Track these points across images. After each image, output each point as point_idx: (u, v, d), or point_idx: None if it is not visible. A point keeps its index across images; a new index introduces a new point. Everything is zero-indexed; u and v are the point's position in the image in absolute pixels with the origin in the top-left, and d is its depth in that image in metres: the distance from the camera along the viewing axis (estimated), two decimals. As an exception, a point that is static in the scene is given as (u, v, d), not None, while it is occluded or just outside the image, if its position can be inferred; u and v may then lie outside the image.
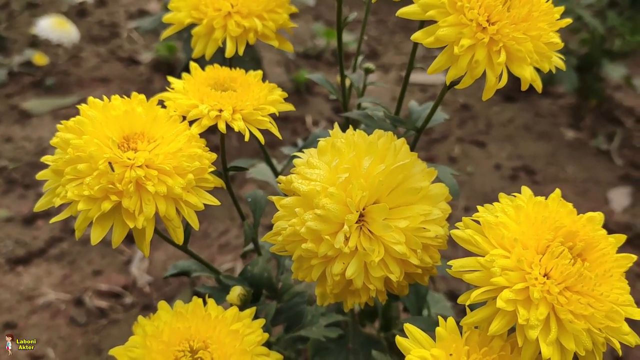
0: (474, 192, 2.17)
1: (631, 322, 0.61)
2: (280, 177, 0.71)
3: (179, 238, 0.72)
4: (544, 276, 0.56)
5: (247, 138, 0.76)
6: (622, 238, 0.64)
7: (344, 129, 0.76)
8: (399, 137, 0.74)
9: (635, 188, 2.23)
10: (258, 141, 0.81)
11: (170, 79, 0.83)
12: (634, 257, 0.62)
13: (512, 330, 0.58)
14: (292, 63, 2.87)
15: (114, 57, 2.98)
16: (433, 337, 0.62)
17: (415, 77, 2.74)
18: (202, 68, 0.84)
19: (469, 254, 0.61)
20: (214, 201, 0.72)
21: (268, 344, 0.77)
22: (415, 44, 0.80)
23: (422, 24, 0.74)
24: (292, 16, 0.91)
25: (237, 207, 0.94)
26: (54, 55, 2.86)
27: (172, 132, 0.71)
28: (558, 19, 0.67)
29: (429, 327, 0.63)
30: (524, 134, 2.53)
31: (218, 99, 0.76)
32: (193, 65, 0.83)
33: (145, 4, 3.46)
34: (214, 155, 0.74)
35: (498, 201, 0.65)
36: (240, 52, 0.85)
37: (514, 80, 0.67)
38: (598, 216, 0.64)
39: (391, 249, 0.64)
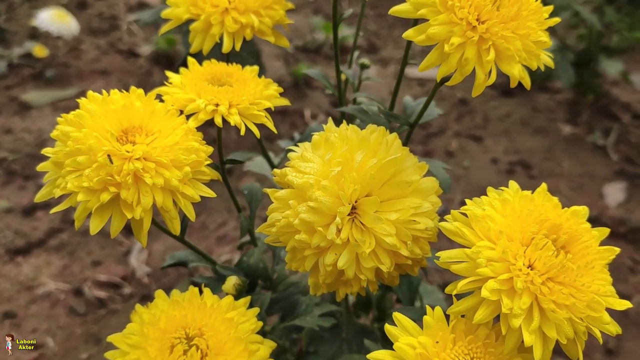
0: (470, 186, 2.19)
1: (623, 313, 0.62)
2: (275, 170, 0.73)
3: (176, 229, 0.74)
4: (527, 267, 0.58)
5: (242, 132, 0.78)
6: (605, 231, 0.66)
7: (340, 123, 0.78)
8: (393, 132, 0.76)
9: (631, 183, 2.25)
10: (255, 135, 0.83)
11: (168, 73, 0.84)
12: (617, 249, 0.64)
13: (498, 319, 0.60)
14: (291, 56, 2.89)
15: (113, 49, 2.99)
16: (422, 327, 0.64)
17: (414, 71, 2.75)
18: (201, 62, 0.86)
19: (458, 247, 0.63)
20: (210, 193, 0.74)
21: (263, 333, 0.79)
22: (409, 41, 0.81)
23: (415, 22, 0.75)
24: (291, 10, 0.92)
25: (234, 200, 0.96)
26: (54, 47, 2.87)
27: (169, 125, 0.73)
28: (547, 18, 0.68)
29: (420, 317, 0.65)
30: (521, 129, 2.55)
31: (215, 93, 0.78)
32: (190, 60, 0.85)
33: (145, -3, 3.47)
34: (210, 149, 0.76)
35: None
36: (237, 47, 0.86)
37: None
38: (582, 210, 0.66)
39: (382, 240, 0.66)
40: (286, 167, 0.72)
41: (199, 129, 0.77)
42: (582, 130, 2.54)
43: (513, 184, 0.68)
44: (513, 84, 0.68)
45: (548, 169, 2.30)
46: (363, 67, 1.05)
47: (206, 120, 0.77)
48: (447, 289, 0.61)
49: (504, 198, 0.64)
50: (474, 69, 0.66)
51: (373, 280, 0.70)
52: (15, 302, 1.66)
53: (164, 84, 0.82)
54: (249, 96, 0.79)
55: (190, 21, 0.88)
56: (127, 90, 0.77)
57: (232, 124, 0.77)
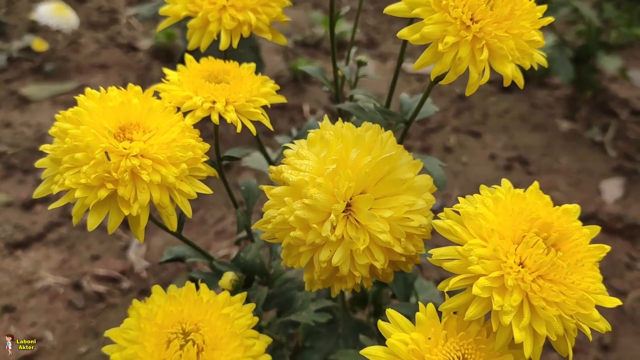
0: (468, 182, 2.19)
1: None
2: (271, 167, 0.74)
3: (173, 225, 0.75)
4: (518, 265, 0.59)
5: (239, 129, 0.78)
6: (596, 229, 0.67)
7: (338, 119, 0.78)
8: (390, 128, 0.77)
9: (628, 179, 2.25)
10: (256, 131, 0.84)
11: (166, 70, 0.85)
12: (607, 247, 0.65)
13: (489, 316, 0.61)
14: (290, 51, 2.89)
15: (113, 43, 2.99)
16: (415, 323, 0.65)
17: (412, 67, 2.75)
18: (199, 58, 0.86)
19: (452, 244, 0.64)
20: (206, 190, 0.75)
21: (259, 328, 0.80)
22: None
23: (410, 20, 0.76)
24: (291, 5, 0.93)
25: (231, 195, 0.97)
26: (53, 41, 2.87)
27: (166, 123, 0.74)
28: (540, 17, 0.69)
29: (414, 314, 0.66)
30: (520, 125, 2.56)
31: (212, 90, 0.79)
32: (188, 57, 0.86)
33: (145, -9, 3.46)
34: (207, 146, 0.77)
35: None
36: (235, 45, 0.87)
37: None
38: (573, 208, 0.67)
39: (376, 237, 0.67)
40: (282, 164, 0.73)
41: (196, 124, 0.78)
42: (580, 126, 2.55)
43: (505, 182, 0.69)
44: (506, 83, 0.68)
45: (546, 165, 2.31)
46: (360, 64, 1.05)
47: (203, 117, 0.78)
48: (440, 286, 0.62)
49: (496, 196, 0.65)
50: (468, 67, 0.66)
51: (367, 276, 0.71)
52: (14, 296, 1.67)
53: (163, 79, 0.83)
54: (246, 93, 0.80)
55: (188, 18, 0.89)
56: (127, 84, 0.78)
57: (229, 121, 0.78)
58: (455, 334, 0.62)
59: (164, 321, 0.73)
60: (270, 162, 1.09)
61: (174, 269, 1.81)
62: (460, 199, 0.66)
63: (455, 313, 0.63)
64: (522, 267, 0.59)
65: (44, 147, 0.73)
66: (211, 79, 0.83)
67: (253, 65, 0.87)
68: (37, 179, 2.06)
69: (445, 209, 0.66)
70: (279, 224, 0.69)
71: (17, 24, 3.02)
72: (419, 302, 0.64)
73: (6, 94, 2.52)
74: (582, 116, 2.60)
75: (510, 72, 0.66)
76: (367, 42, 3.18)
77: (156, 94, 0.80)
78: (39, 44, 2.74)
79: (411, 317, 0.65)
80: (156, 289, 0.79)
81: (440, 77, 0.70)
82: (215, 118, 0.77)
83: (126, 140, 0.69)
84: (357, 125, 0.76)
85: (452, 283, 0.60)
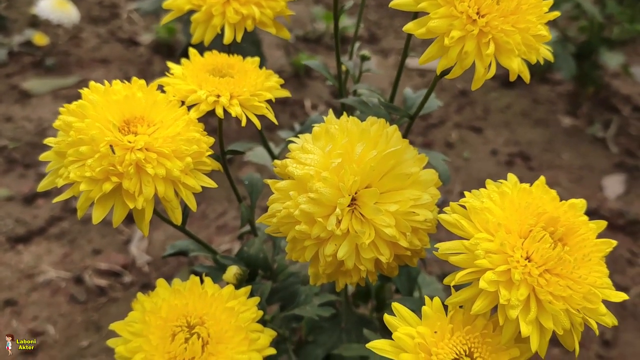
0: (469, 177, 2.19)
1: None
2: (276, 161, 0.74)
3: (177, 218, 0.75)
4: (525, 259, 0.59)
5: (243, 123, 0.78)
6: (602, 224, 0.67)
7: (340, 114, 0.78)
8: (394, 123, 0.76)
9: (630, 175, 2.25)
10: (255, 125, 0.83)
11: (170, 64, 0.85)
12: (614, 242, 0.65)
13: (495, 310, 0.61)
14: (292, 46, 2.88)
15: (113, 38, 2.99)
16: (421, 317, 0.65)
17: (414, 62, 2.75)
18: (201, 52, 0.86)
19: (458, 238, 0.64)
20: (211, 184, 0.75)
21: (263, 322, 0.80)
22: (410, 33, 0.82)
23: (415, 15, 0.76)
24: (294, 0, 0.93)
25: (235, 190, 0.97)
26: (54, 36, 2.87)
27: (171, 116, 0.73)
28: (546, 12, 0.68)
29: (419, 308, 0.66)
30: (521, 120, 2.55)
31: (216, 84, 0.78)
32: (192, 51, 0.85)
33: (146, -15, 3.45)
34: (211, 139, 0.77)
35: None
36: (238, 39, 0.86)
37: (511, 68, 0.69)
38: (580, 203, 0.67)
39: (381, 231, 0.67)
40: (287, 158, 0.72)
41: (199, 118, 0.78)
42: (582, 122, 2.55)
43: (512, 176, 0.69)
44: (512, 78, 0.68)
45: (548, 161, 2.31)
46: (364, 58, 1.05)
47: (207, 111, 0.78)
48: (446, 280, 0.62)
49: (502, 191, 0.65)
50: (474, 62, 0.66)
51: (372, 270, 0.71)
52: (16, 290, 1.67)
53: (165, 73, 0.83)
54: (250, 87, 0.80)
55: (191, 12, 0.88)
56: (128, 79, 0.77)
57: (234, 115, 0.77)
58: (462, 328, 0.62)
59: (168, 314, 0.73)
60: (274, 157, 1.09)
61: (175, 264, 1.81)
62: (466, 193, 0.66)
63: (461, 307, 0.63)
64: (529, 262, 0.59)
65: (48, 141, 0.72)
66: (215, 72, 0.82)
67: (257, 59, 0.87)
68: (39, 173, 2.06)
69: (451, 203, 0.65)
70: (284, 217, 0.69)
71: (17, 18, 3.02)
72: (425, 296, 0.64)
73: (7, 88, 2.52)
74: (584, 112, 2.60)
75: (516, 67, 0.66)
76: (368, 37, 3.17)
77: (160, 88, 0.79)
78: (40, 38, 2.74)
79: (415, 312, 0.65)
80: (160, 282, 0.79)
81: (445, 72, 0.69)
82: (219, 112, 0.77)
83: (131, 134, 0.69)
84: (361, 120, 0.75)
85: (458, 277, 0.60)
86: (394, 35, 3.21)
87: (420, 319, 0.64)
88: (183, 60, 0.84)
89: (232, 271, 0.84)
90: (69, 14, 2.65)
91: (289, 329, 1.01)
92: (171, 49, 2.84)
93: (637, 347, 1.62)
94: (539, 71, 2.70)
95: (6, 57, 2.69)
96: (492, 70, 0.66)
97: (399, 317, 0.64)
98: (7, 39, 2.78)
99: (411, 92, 0.99)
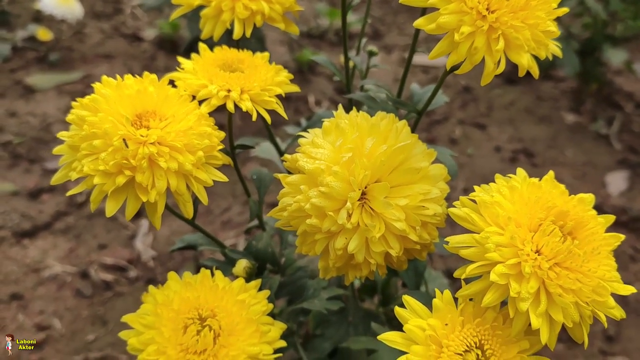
0: (473, 173, 2.20)
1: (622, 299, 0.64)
2: (286, 155, 0.75)
3: (189, 212, 0.75)
4: (535, 252, 0.60)
5: (254, 118, 0.79)
6: (611, 218, 0.67)
7: (347, 109, 0.79)
8: (400, 119, 0.77)
9: (633, 172, 2.26)
10: (264, 120, 0.84)
11: (180, 59, 0.85)
12: (622, 236, 0.66)
13: (505, 302, 0.61)
14: (295, 42, 2.88)
15: (117, 33, 2.99)
16: (430, 309, 0.65)
17: (418, 58, 2.75)
18: (208, 48, 0.87)
19: (466, 232, 0.64)
20: (222, 177, 0.76)
21: (271, 315, 0.80)
22: (418, 29, 0.82)
23: (425, 10, 0.76)
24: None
25: (244, 184, 0.98)
26: (58, 31, 2.87)
27: (182, 110, 0.74)
28: (555, 8, 0.69)
29: (427, 301, 0.66)
30: (525, 117, 2.56)
31: (226, 79, 0.79)
32: (202, 46, 0.86)
33: (149, -19, 3.45)
34: (222, 134, 0.78)
35: (495, 183, 0.68)
36: (248, 34, 0.87)
37: (516, 64, 0.70)
38: (588, 197, 0.67)
39: (391, 225, 0.67)
40: (296, 152, 0.73)
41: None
42: (585, 119, 2.55)
43: (521, 171, 0.69)
44: (521, 73, 0.69)
45: (551, 158, 2.31)
46: (371, 54, 1.06)
47: (217, 106, 0.79)
48: (456, 273, 0.63)
49: (512, 185, 0.65)
50: (483, 57, 0.67)
51: (382, 264, 0.72)
52: (22, 284, 1.67)
53: (168, 69, 0.83)
54: (260, 82, 0.80)
55: (199, 7, 0.89)
56: (132, 74, 0.78)
57: (244, 109, 0.78)
58: (472, 321, 0.63)
59: (180, 307, 0.73)
60: (280, 152, 1.10)
61: (180, 259, 1.82)
62: (475, 187, 0.67)
63: (471, 300, 0.64)
64: (539, 255, 0.59)
65: (61, 134, 0.73)
66: (225, 67, 0.83)
67: (267, 54, 0.88)
68: (44, 169, 2.07)
69: (461, 197, 0.66)
70: (295, 211, 0.70)
71: (21, 14, 3.02)
72: (436, 289, 0.65)
73: (11, 84, 2.52)
74: (587, 109, 2.60)
75: (526, 62, 0.67)
76: (371, 33, 3.17)
77: (171, 83, 0.80)
78: (44, 34, 2.74)
79: (423, 304, 0.66)
80: (172, 275, 0.80)
81: (455, 67, 0.70)
82: (230, 106, 0.78)
83: (143, 128, 0.70)
84: (369, 115, 0.76)
85: (469, 270, 0.60)
86: (397, 32, 3.22)
87: (430, 312, 0.65)
88: (193, 55, 0.85)
89: (242, 265, 0.85)
90: (73, 10, 2.65)
91: (297, 323, 1.01)
92: (175, 45, 2.84)
93: (639, 342, 1.62)
94: (543, 68, 2.70)
95: (10, 52, 2.69)
96: (502, 66, 0.67)
97: (409, 309, 0.65)
98: (10, 34, 2.79)
99: (418, 88, 1.00)
